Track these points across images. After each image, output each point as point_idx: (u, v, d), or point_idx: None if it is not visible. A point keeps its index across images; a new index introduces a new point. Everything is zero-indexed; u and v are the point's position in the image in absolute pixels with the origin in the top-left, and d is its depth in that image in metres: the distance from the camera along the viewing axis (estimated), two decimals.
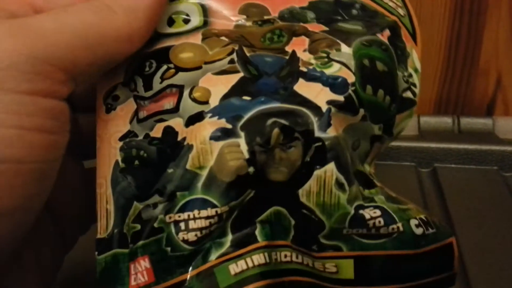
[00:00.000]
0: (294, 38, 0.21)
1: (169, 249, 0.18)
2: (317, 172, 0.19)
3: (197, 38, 0.20)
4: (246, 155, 0.18)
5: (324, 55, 0.20)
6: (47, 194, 0.18)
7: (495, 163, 0.34)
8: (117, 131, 0.20)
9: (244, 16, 0.21)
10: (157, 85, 0.19)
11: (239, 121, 0.18)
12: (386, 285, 0.20)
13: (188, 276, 0.18)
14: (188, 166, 0.18)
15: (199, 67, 0.19)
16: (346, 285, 0.19)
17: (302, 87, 0.19)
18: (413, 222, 0.20)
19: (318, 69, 0.20)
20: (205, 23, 0.21)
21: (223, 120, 0.18)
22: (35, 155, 0.17)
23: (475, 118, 0.38)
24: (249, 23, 0.21)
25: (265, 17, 0.22)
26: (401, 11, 0.23)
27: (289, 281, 0.19)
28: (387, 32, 0.22)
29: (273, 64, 0.20)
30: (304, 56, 0.20)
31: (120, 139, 0.19)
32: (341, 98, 0.19)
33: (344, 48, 0.20)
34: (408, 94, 0.22)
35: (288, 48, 0.21)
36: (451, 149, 0.35)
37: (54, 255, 0.21)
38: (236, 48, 0.20)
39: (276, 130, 0.18)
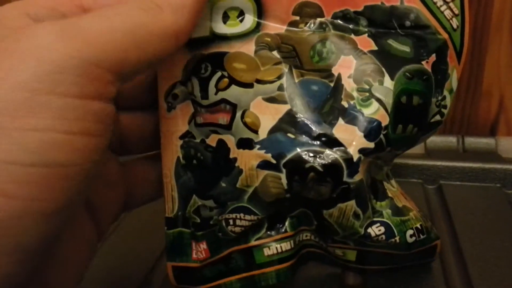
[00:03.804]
0: (342, 57, 0.21)
1: (220, 234, 0.23)
2: (340, 205, 0.21)
3: (250, 48, 0.21)
4: (285, 187, 0.21)
5: (367, 87, 0.21)
6: (87, 193, 0.18)
7: (497, 181, 0.35)
8: (177, 130, 0.22)
9: (297, 18, 0.21)
10: (212, 95, 0.21)
11: (283, 158, 0.20)
12: (381, 266, 0.25)
13: (232, 251, 0.23)
14: (238, 185, 0.22)
15: (251, 85, 0.21)
16: (349, 263, 0.24)
17: (340, 131, 0.21)
18: (409, 233, 0.23)
19: (358, 107, 0.21)
20: (258, 26, 0.21)
21: (269, 155, 0.21)
22: (81, 158, 0.16)
23: (479, 138, 0.39)
24: (301, 25, 0.21)
25: (318, 20, 0.21)
26: (455, 22, 0.22)
27: (306, 252, 0.24)
28: (432, 58, 0.22)
29: (318, 95, 0.21)
30: (348, 84, 0.21)
31: (180, 137, 0.22)
32: (372, 145, 0.21)
33: (387, 81, 0.21)
34: (437, 117, 0.23)
35: (335, 70, 0.21)
36: (456, 167, 0.36)
37: (89, 245, 0.22)
38: (286, 70, 0.21)
39: (312, 174, 0.20)
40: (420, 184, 0.36)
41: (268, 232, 0.22)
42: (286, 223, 0.22)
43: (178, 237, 0.23)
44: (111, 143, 0.22)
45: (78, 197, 0.17)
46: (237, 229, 0.22)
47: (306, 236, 0.24)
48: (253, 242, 0.22)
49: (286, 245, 0.22)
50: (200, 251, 0.23)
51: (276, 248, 0.22)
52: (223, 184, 0.22)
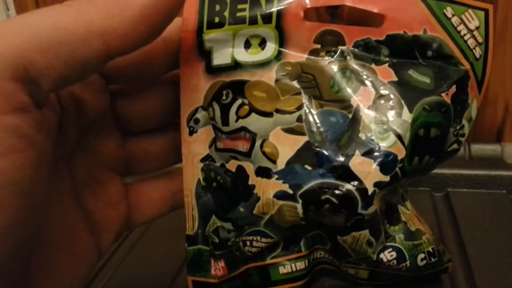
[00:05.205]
0: (362, 88, 0.21)
1: (238, 253, 0.23)
2: (354, 233, 0.22)
3: (271, 76, 0.21)
4: (301, 215, 0.21)
5: (385, 119, 0.21)
6: (42, 204, 0.17)
7: (503, 187, 0.36)
8: (198, 153, 0.23)
9: (318, 46, 0.21)
10: (232, 122, 0.21)
11: (299, 189, 0.21)
12: (392, 282, 0.25)
13: (249, 267, 0.23)
14: (255, 212, 0.22)
15: (271, 114, 0.21)
16: (360, 280, 0.25)
17: (357, 163, 0.21)
18: (420, 257, 0.23)
19: (375, 140, 0.21)
20: (279, 54, 0.21)
21: (286, 185, 0.21)
22: (14, 176, 0.15)
23: (485, 145, 0.40)
24: (322, 53, 0.21)
25: (340, 48, 0.21)
26: (478, 52, 0.22)
27: (319, 269, 0.25)
28: (453, 89, 0.22)
29: (336, 126, 0.21)
30: (366, 116, 0.21)
31: (201, 160, 0.23)
32: (387, 178, 0.21)
33: (405, 113, 0.21)
34: (454, 146, 0.23)
35: (354, 101, 0.21)
36: (463, 175, 0.36)
37: (87, 262, 0.22)
38: (306, 101, 0.21)
39: (327, 206, 0.21)
40: (428, 191, 0.36)
41: (283, 252, 0.23)
42: (301, 243, 0.23)
43: (197, 254, 0.24)
44: (116, 165, 0.22)
45: (29, 211, 0.16)
46: (254, 250, 0.23)
47: (320, 254, 0.24)
48: (269, 261, 0.23)
49: (300, 264, 0.23)
50: (218, 268, 0.24)
51: (291, 266, 0.23)
52: (241, 209, 0.22)
